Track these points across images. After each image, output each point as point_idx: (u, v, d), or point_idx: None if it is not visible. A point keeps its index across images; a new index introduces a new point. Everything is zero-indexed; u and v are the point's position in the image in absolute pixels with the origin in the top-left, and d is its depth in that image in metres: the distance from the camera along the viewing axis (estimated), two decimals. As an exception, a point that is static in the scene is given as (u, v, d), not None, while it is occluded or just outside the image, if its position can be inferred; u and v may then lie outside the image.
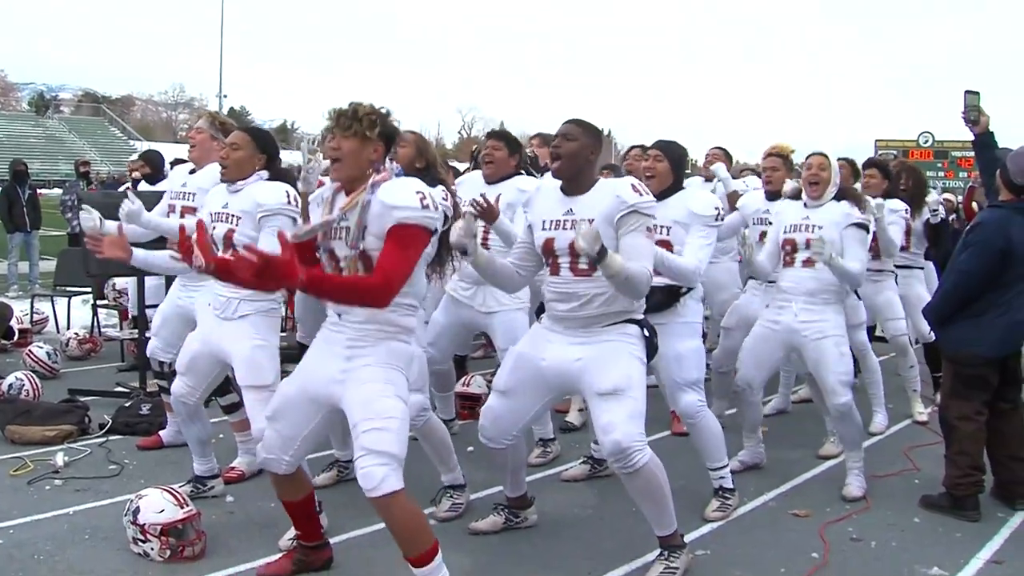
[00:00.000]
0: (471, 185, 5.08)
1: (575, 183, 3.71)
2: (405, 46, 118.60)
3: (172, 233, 4.93)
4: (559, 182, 3.79)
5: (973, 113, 4.82)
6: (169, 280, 5.27)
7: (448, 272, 4.11)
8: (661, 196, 4.39)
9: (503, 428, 3.92)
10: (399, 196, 3.16)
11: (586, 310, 3.67)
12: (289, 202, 4.13)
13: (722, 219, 4.46)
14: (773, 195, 5.57)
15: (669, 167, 4.45)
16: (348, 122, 3.21)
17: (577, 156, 3.70)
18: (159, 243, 5.04)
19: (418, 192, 3.18)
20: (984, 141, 4.88)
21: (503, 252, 4.71)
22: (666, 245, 4.31)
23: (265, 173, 4.26)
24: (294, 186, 4.18)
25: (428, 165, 4.59)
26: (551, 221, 3.73)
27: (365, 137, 3.22)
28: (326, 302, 3.34)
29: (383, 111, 3.29)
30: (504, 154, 4.95)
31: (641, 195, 3.61)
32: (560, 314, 3.75)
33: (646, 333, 3.73)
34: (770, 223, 5.22)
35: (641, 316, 3.76)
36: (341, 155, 3.22)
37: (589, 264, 3.57)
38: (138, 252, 4.22)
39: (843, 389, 4.64)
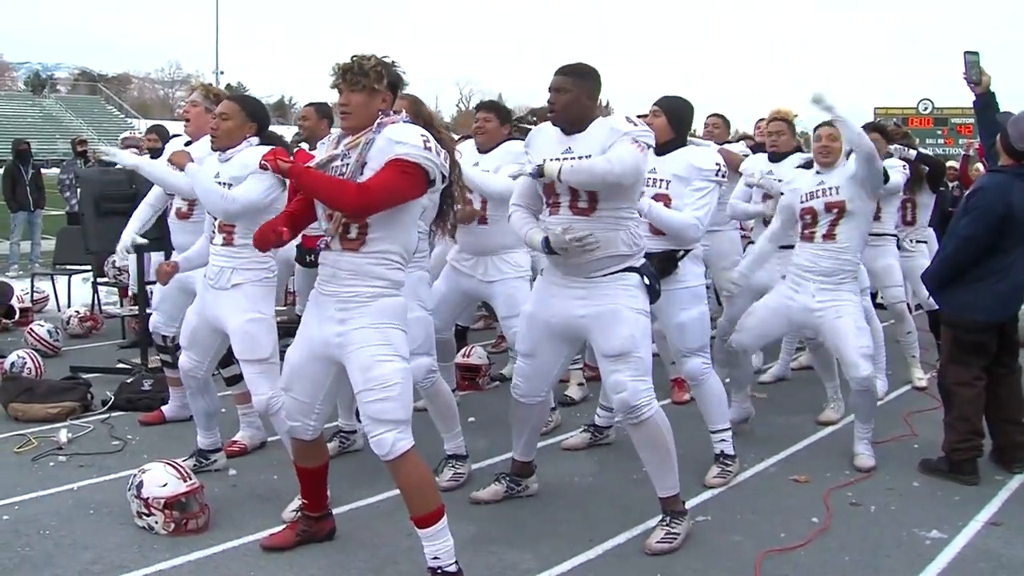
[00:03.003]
0: (466, 152, 5.09)
1: (575, 126, 3.73)
2: (402, 19, 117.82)
3: (175, 185, 4.84)
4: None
5: (975, 73, 4.78)
6: (168, 255, 5.28)
7: (450, 227, 4.14)
8: (661, 151, 4.39)
9: (536, 385, 4.02)
10: (403, 134, 3.22)
11: (586, 255, 3.67)
12: None
13: (723, 175, 4.44)
14: (776, 157, 5.67)
15: (667, 122, 4.43)
16: (355, 77, 3.23)
17: (572, 106, 3.71)
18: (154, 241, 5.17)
19: (423, 135, 3.24)
20: (986, 102, 4.85)
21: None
22: (665, 199, 4.34)
23: (255, 140, 4.27)
24: (289, 151, 4.21)
25: (425, 125, 4.58)
26: (551, 159, 3.72)
27: (373, 90, 3.26)
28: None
29: (387, 61, 3.33)
30: (495, 124, 4.94)
31: (636, 125, 3.63)
32: (560, 260, 3.75)
33: (646, 281, 3.75)
34: (778, 180, 5.31)
35: (641, 262, 3.77)
36: (350, 109, 3.25)
37: (588, 203, 3.63)
38: (181, 261, 4.49)
39: (864, 362, 4.61)
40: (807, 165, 5.06)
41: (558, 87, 3.72)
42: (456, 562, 3.29)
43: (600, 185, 3.59)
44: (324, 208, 3.30)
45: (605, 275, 3.70)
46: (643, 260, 3.80)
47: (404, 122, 3.33)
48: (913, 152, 6.53)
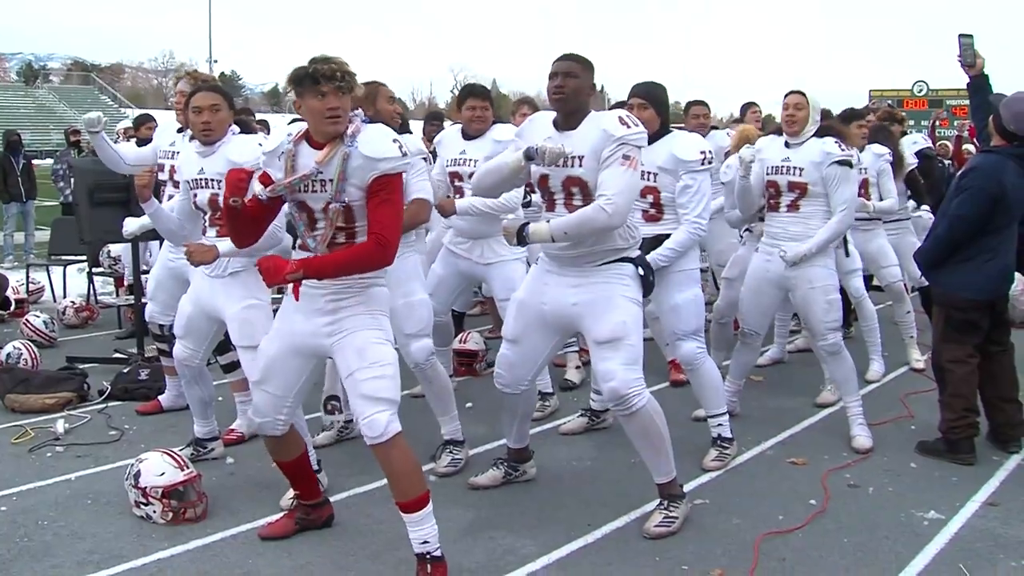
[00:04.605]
0: (450, 140, 5.09)
1: (571, 119, 3.68)
2: (397, 6, 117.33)
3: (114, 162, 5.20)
4: (551, 114, 3.77)
5: (969, 56, 4.79)
6: (162, 242, 5.25)
7: None
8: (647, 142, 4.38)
9: (519, 374, 3.97)
10: (381, 148, 3.19)
11: (580, 247, 3.67)
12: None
13: (710, 162, 4.42)
14: None
15: (654, 112, 4.40)
16: (348, 83, 3.19)
17: (580, 93, 3.67)
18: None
19: (395, 140, 3.24)
20: (978, 84, 4.85)
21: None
22: (653, 192, 4.37)
23: (236, 128, 4.24)
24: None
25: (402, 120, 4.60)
26: (541, 221, 3.70)
27: (351, 91, 3.23)
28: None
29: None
30: (491, 112, 5.00)
31: (629, 127, 3.56)
32: (556, 252, 3.76)
33: (640, 271, 3.74)
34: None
35: (636, 253, 3.76)
36: (341, 113, 3.20)
37: (583, 201, 3.61)
38: (156, 206, 4.40)
39: (831, 333, 4.72)
40: (777, 132, 4.97)
41: (568, 71, 3.65)
42: (439, 547, 3.30)
43: (598, 234, 3.60)
44: (306, 222, 3.29)
45: (600, 265, 3.69)
46: (639, 252, 3.79)
47: (364, 122, 3.31)
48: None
